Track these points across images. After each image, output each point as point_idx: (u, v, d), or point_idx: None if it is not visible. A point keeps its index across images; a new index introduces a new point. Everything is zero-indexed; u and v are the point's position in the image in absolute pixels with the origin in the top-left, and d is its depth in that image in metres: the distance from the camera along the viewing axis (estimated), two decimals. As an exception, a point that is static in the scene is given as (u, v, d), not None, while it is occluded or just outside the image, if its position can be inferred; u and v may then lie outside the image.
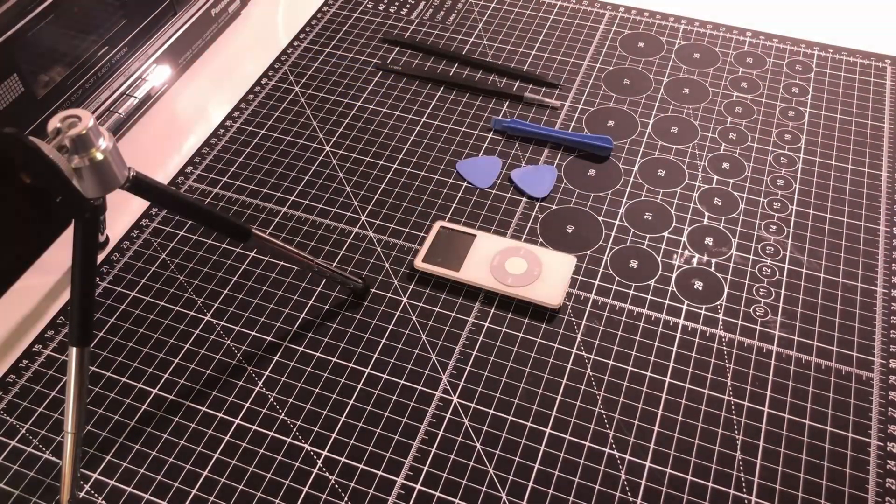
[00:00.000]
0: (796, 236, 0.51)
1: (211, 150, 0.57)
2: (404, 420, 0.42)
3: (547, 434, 0.42)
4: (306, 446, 0.42)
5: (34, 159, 0.31)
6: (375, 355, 0.45)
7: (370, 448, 0.41)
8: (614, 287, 0.48)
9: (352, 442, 0.42)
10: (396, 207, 0.53)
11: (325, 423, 0.42)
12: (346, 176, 0.55)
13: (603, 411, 0.42)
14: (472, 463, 0.41)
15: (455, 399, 0.43)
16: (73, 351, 0.36)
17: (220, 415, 0.43)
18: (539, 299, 0.47)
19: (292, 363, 0.45)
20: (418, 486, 0.40)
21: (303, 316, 0.47)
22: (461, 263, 0.49)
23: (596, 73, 0.62)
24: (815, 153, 0.56)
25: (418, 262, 0.49)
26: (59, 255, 0.49)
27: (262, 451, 0.41)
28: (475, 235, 0.51)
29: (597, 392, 0.43)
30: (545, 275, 0.48)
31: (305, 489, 0.40)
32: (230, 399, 0.43)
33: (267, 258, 0.50)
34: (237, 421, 0.43)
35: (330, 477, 0.40)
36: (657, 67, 0.63)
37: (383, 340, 0.46)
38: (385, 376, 0.44)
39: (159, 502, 0.40)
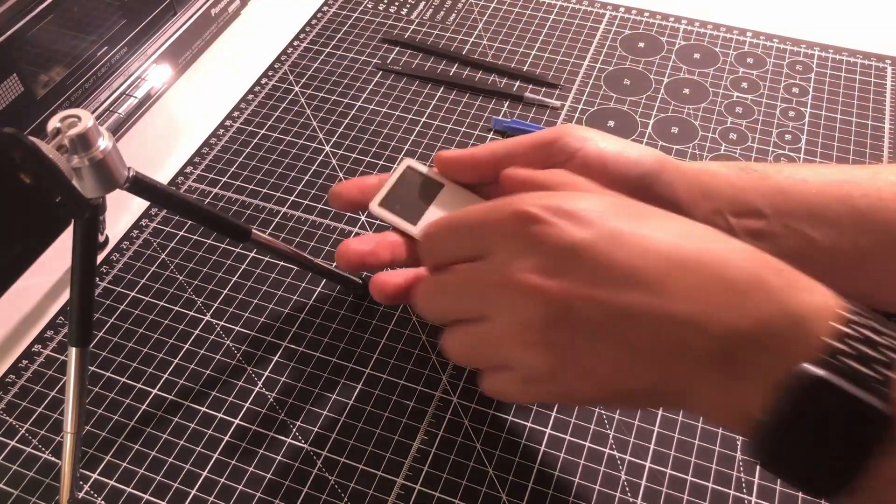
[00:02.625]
0: (796, 236, 0.50)
1: (211, 150, 0.57)
2: (404, 420, 0.42)
3: (547, 434, 0.42)
4: (306, 446, 0.41)
5: (34, 159, 0.31)
6: (375, 355, 0.45)
7: (370, 448, 0.41)
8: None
9: (352, 442, 0.42)
10: (396, 207, 0.53)
11: (325, 423, 0.42)
12: (346, 176, 0.55)
13: (603, 411, 0.42)
14: (472, 463, 0.41)
15: (455, 399, 0.43)
16: (73, 351, 0.36)
17: (220, 415, 0.43)
18: None
19: (292, 363, 0.45)
20: (418, 487, 0.40)
21: (303, 316, 0.47)
22: (419, 217, 0.39)
23: (596, 74, 0.62)
24: (815, 153, 0.56)
25: (373, 206, 0.40)
26: (59, 255, 0.49)
27: (262, 451, 0.41)
28: (443, 185, 0.40)
29: (597, 392, 0.43)
30: None
31: (305, 489, 0.40)
32: (230, 399, 0.43)
33: (267, 258, 0.50)
34: (237, 421, 0.43)
35: (330, 477, 0.40)
36: (657, 68, 0.63)
37: (383, 340, 0.46)
38: (385, 376, 0.44)
39: (159, 502, 0.40)
